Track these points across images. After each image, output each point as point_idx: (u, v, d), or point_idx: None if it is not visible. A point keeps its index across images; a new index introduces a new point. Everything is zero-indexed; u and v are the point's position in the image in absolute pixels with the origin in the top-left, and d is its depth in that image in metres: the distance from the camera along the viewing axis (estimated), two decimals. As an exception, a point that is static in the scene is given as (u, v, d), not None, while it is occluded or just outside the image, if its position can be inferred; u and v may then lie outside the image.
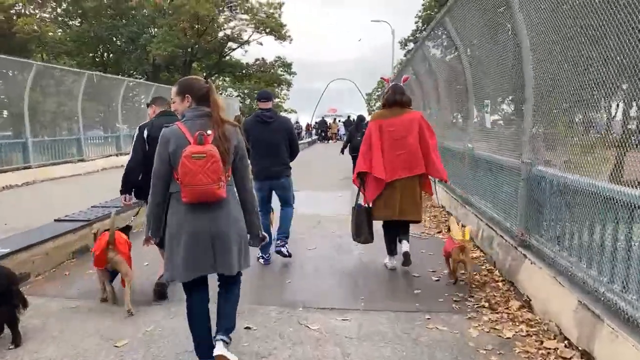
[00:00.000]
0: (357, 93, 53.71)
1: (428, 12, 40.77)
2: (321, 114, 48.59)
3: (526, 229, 4.79)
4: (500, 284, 4.82)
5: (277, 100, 59.65)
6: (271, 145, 5.48)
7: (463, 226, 5.22)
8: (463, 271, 4.90)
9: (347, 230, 5.77)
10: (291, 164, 5.74)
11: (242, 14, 40.65)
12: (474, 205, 7.15)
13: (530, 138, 4.74)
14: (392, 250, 5.41)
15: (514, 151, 5.39)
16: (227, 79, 48.13)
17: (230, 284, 3.21)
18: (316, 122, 44.23)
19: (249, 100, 45.50)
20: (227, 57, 44.70)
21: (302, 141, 29.33)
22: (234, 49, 43.88)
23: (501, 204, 5.85)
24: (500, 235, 5.47)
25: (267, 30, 41.97)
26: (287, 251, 5.71)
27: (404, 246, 5.25)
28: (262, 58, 45.88)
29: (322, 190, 11.18)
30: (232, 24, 40.99)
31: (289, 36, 42.72)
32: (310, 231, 7.31)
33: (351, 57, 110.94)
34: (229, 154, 2.98)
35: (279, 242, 5.69)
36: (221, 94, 43.13)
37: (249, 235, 3.18)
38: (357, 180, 5.36)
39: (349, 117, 37.71)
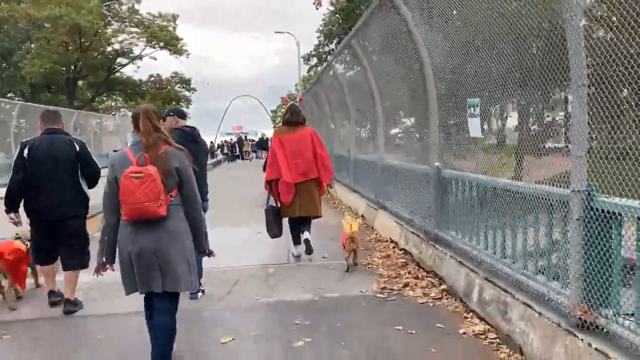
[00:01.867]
0: (263, 110, 53.29)
1: (329, 26, 41.58)
2: (225, 132, 47.54)
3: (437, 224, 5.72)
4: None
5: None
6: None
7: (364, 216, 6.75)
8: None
9: (283, 296, 5.11)
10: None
11: (131, 26, 38.65)
12: (388, 208, 7.91)
13: (438, 147, 5.69)
14: (297, 241, 6.63)
15: (424, 159, 6.20)
16: (119, 98, 45.47)
17: (164, 307, 3.32)
18: (226, 141, 43.26)
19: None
20: (117, 74, 42.20)
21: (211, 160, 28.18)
22: (124, 65, 41.52)
23: (415, 205, 6.66)
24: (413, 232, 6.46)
25: (161, 44, 40.36)
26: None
27: (305, 234, 6.52)
28: (158, 74, 44.05)
29: (238, 225, 9.23)
30: (120, 37, 38.83)
31: (186, 50, 41.47)
32: (224, 300, 5.05)
33: (256, 73, 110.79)
34: (170, 175, 3.22)
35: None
36: (114, 114, 40.63)
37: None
38: (267, 186, 6.59)
39: (263, 135, 37.58)
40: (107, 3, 36.02)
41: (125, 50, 39.76)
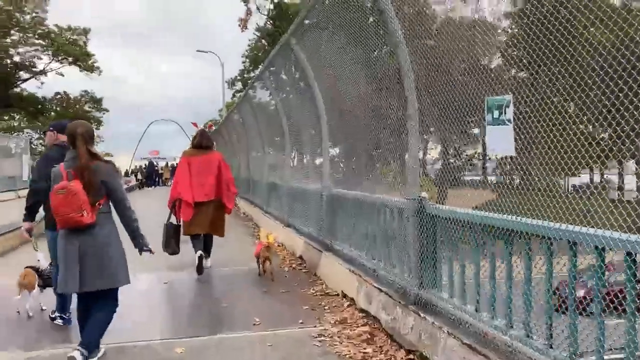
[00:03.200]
0: (182, 134, 50.33)
1: (255, 52, 40.32)
2: (140, 156, 44.35)
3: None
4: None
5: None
6: None
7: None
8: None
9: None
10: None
11: (35, 38, 34.98)
12: (338, 251, 6.53)
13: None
14: (198, 247, 6.92)
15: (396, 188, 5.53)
16: (17, 115, 40.86)
17: (99, 304, 3.88)
18: (141, 166, 39.95)
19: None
20: (17, 90, 38.04)
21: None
22: (25, 80, 37.43)
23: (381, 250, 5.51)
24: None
25: (70, 59, 37.00)
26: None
27: (198, 253, 6.81)
28: (65, 92, 40.40)
29: (147, 270, 6.54)
30: (22, 49, 34.94)
31: (98, 67, 38.36)
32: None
33: (179, 97, 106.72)
34: (95, 187, 3.75)
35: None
36: (17, 134, 36.27)
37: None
38: (170, 204, 7.09)
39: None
40: (6, 8, 32.27)
41: (27, 63, 35.89)
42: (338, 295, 5.76)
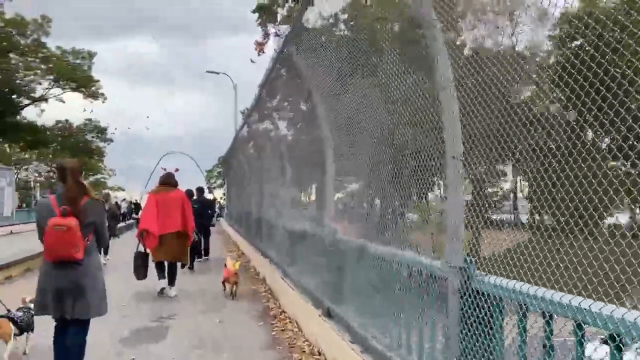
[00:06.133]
0: (196, 168, 48.64)
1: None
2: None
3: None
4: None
5: (98, 176, 52.07)
6: None
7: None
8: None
9: None
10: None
11: (36, 61, 34.35)
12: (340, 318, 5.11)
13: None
14: (161, 276, 8.52)
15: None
16: (12, 145, 40.28)
17: (73, 330, 4.22)
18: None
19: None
20: (16, 117, 37.36)
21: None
22: (24, 106, 36.69)
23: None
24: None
25: (73, 85, 36.37)
26: None
27: (164, 283, 8.49)
28: (66, 120, 39.88)
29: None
30: (20, 73, 34.32)
31: (102, 94, 37.69)
32: None
33: (192, 131, 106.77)
34: (88, 224, 4.11)
35: None
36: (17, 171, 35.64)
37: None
38: (138, 234, 8.32)
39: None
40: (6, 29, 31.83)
41: (26, 88, 35.24)
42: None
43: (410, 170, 3.63)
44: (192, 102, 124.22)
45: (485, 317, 2.45)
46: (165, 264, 8.55)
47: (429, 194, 3.64)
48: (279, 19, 33.87)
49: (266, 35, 33.38)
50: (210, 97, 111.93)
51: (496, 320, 2.42)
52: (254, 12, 32.13)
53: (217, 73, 32.73)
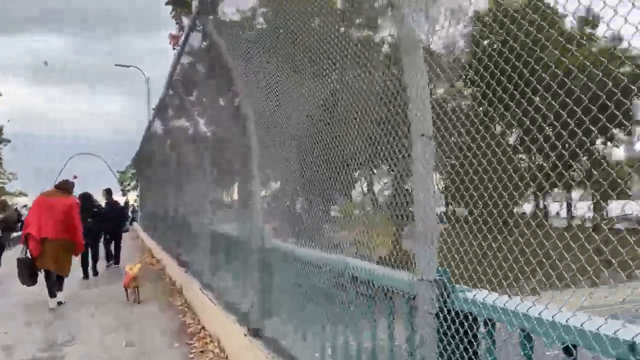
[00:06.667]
0: (107, 170, 45.23)
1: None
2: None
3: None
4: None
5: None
6: None
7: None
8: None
9: None
10: None
11: None
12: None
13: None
14: (50, 294, 7.98)
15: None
16: None
17: None
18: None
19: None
20: None
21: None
22: None
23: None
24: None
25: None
26: None
27: (57, 297, 8.07)
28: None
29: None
30: None
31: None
32: None
33: (105, 130, 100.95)
34: None
35: None
36: None
37: None
38: (22, 239, 8.20)
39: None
40: None
41: None
42: None
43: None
44: (106, 100, 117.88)
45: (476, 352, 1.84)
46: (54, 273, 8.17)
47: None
48: (193, 12, 32.43)
49: (181, 28, 31.93)
50: (125, 95, 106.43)
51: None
52: (167, 4, 30.48)
53: (128, 66, 31.01)
